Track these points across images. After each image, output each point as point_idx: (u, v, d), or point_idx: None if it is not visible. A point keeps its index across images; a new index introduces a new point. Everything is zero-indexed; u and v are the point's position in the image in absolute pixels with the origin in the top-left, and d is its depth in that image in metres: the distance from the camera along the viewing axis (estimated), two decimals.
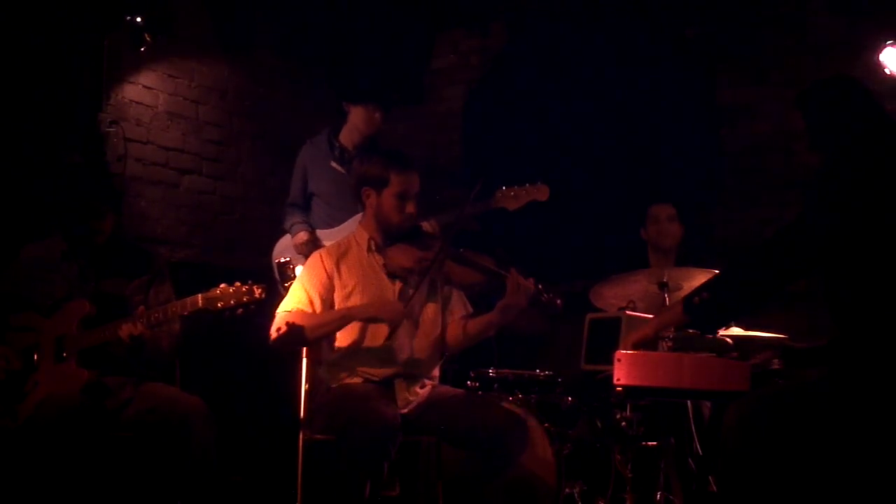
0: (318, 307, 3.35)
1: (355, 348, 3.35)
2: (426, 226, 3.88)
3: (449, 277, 3.38)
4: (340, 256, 3.43)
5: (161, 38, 4.77)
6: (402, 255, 3.36)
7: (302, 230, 4.52)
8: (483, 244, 3.55)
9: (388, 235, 3.42)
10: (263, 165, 5.63)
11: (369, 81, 5.19)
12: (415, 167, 3.42)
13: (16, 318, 3.40)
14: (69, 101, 4.58)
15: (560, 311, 3.30)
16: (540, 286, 3.26)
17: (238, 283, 3.21)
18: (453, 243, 3.35)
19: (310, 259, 3.50)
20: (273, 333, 3.29)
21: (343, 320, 3.30)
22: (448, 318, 3.50)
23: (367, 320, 3.29)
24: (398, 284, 3.41)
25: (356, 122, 4.61)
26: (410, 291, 3.38)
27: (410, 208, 3.38)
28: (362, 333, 3.35)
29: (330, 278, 3.38)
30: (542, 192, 4.32)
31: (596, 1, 5.59)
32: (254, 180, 5.60)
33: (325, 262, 3.41)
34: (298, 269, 4.50)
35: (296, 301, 3.35)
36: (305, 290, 3.37)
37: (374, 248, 3.45)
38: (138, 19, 4.62)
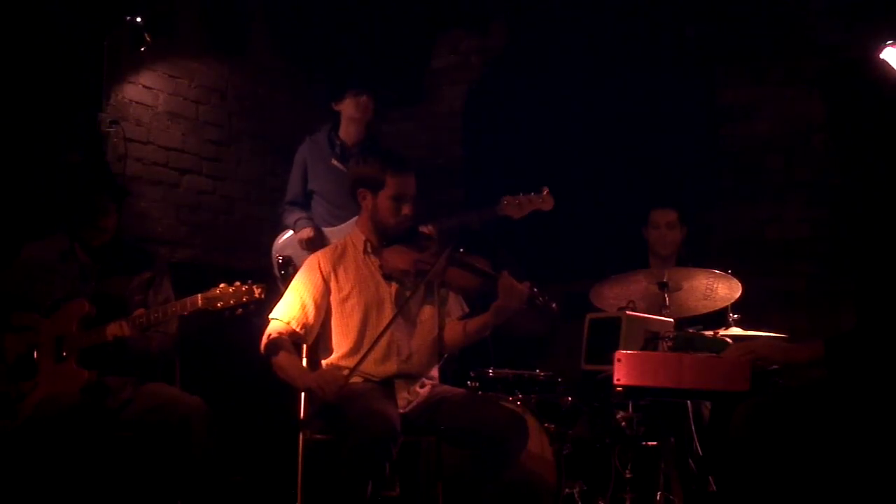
0: (311, 314, 3.36)
1: (354, 350, 3.35)
2: (426, 230, 3.87)
3: (445, 280, 3.37)
4: (337, 259, 3.43)
5: (161, 38, 4.76)
6: (398, 258, 3.35)
7: (307, 226, 4.51)
8: (483, 244, 3.56)
9: (384, 237, 3.41)
10: (263, 165, 5.63)
11: (350, 75, 5.18)
12: (411, 169, 3.41)
13: (16, 318, 3.40)
14: (69, 101, 4.57)
15: (556, 314, 3.29)
16: (535, 289, 3.26)
17: (238, 283, 3.21)
18: (453, 244, 3.34)
19: (306, 262, 3.50)
20: (263, 341, 3.33)
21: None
22: (445, 319, 3.50)
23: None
24: (394, 286, 3.41)
25: (349, 114, 4.61)
26: (407, 293, 3.39)
27: (406, 210, 3.37)
28: (361, 334, 3.35)
29: (326, 282, 3.38)
30: (546, 203, 4.30)
31: (596, 1, 5.59)
32: (254, 180, 5.60)
33: (322, 266, 3.41)
34: (288, 262, 4.53)
35: (288, 310, 3.36)
36: (300, 297, 3.37)
37: (370, 249, 3.44)
38: (138, 19, 4.61)
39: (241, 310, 3.21)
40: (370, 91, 4.63)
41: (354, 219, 4.39)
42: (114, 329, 3.26)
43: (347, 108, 4.61)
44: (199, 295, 3.23)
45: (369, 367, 3.34)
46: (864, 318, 2.57)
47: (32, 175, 4.36)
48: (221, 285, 3.22)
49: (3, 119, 4.32)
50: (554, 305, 3.28)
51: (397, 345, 3.36)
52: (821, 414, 2.46)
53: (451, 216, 4.31)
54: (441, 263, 3.27)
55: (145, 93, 5.03)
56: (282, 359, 3.30)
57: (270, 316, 3.37)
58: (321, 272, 3.40)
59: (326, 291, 3.38)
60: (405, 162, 3.43)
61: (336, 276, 3.40)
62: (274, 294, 3.42)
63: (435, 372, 3.52)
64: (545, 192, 4.30)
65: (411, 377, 3.38)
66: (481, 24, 6.04)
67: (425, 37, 6.16)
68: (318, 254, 3.53)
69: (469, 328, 3.45)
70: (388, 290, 3.40)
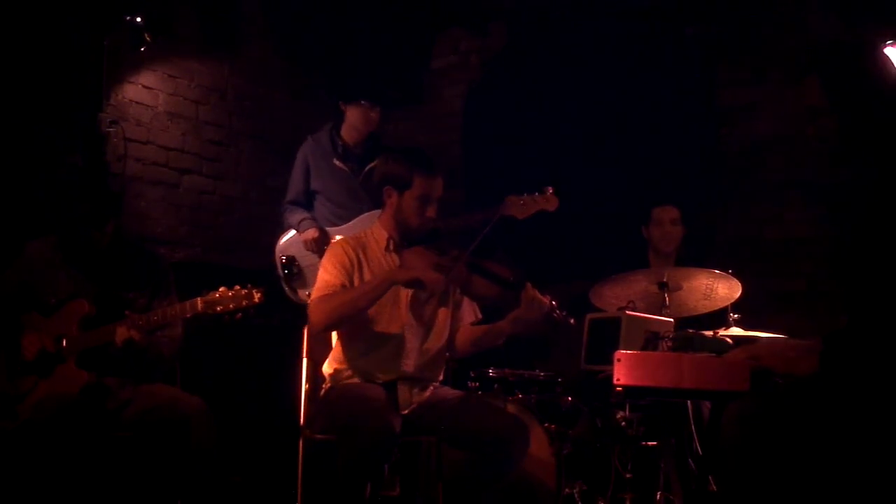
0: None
1: (363, 350, 3.35)
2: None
3: (465, 287, 3.35)
4: (361, 250, 3.40)
5: (161, 38, 4.77)
6: (419, 259, 3.32)
7: (312, 227, 4.51)
8: (483, 244, 3.55)
9: (406, 237, 3.40)
10: (263, 165, 5.63)
11: (364, 79, 5.19)
12: (439, 171, 3.39)
13: (24, 318, 3.40)
14: (69, 101, 4.58)
15: (573, 328, 3.28)
16: (554, 303, 3.25)
17: (238, 287, 3.20)
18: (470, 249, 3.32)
19: (332, 247, 3.45)
20: (318, 317, 3.23)
21: (385, 284, 3.20)
22: (457, 324, 3.49)
23: (409, 284, 3.20)
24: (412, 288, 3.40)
25: (353, 121, 4.61)
26: (423, 296, 3.37)
27: (431, 212, 3.34)
28: (370, 331, 3.34)
29: (353, 266, 3.34)
30: (551, 203, 4.28)
31: (596, 1, 5.59)
32: (254, 180, 5.61)
33: (348, 251, 3.36)
34: (291, 262, 4.51)
35: (329, 285, 3.28)
36: (337, 273, 3.30)
37: (391, 247, 3.42)
38: (138, 19, 4.62)
39: (240, 314, 3.20)
40: (382, 106, 4.63)
41: (357, 219, 4.42)
42: (123, 333, 3.25)
43: (354, 115, 4.60)
44: (200, 299, 3.22)
45: (375, 368, 3.33)
46: (856, 315, 2.57)
47: (33, 175, 4.36)
48: (221, 289, 3.21)
49: (4, 119, 4.32)
50: (572, 320, 3.26)
51: (406, 349, 3.35)
52: (812, 411, 2.46)
53: (454, 217, 4.31)
54: (460, 268, 3.25)
55: (145, 93, 5.03)
56: (358, 290, 3.21)
57: (312, 297, 3.30)
58: (348, 256, 3.35)
59: (353, 277, 3.34)
60: (434, 164, 3.40)
61: (359, 265, 3.36)
62: (276, 295, 3.41)
63: (440, 375, 3.51)
64: (549, 192, 4.27)
65: (416, 380, 3.37)
66: (481, 24, 6.05)
67: (425, 37, 6.17)
68: (341, 241, 3.49)
69: (479, 336, 3.44)
70: (405, 291, 3.37)
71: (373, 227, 3.50)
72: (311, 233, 4.48)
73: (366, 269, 3.36)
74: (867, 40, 4.55)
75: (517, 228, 4.67)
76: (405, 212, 3.35)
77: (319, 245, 4.39)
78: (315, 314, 3.24)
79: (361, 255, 3.38)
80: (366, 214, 4.39)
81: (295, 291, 4.57)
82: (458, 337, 3.48)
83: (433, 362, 3.43)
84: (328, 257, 3.38)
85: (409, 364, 3.34)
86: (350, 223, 4.46)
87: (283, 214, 4.69)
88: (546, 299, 3.23)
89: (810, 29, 5.10)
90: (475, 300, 3.48)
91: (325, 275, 3.32)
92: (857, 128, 2.62)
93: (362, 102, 4.58)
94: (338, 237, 4.31)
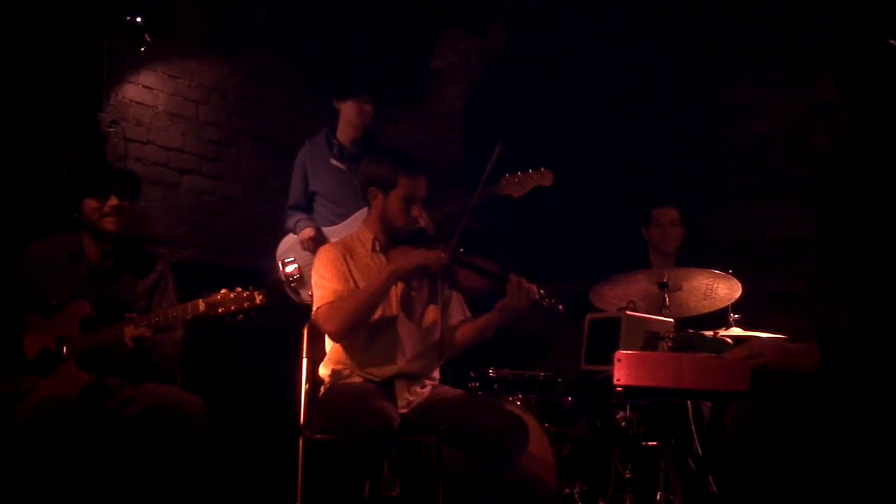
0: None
1: (357, 348, 3.35)
2: (434, 215, 3.89)
3: (452, 281, 3.37)
4: (348, 253, 3.42)
5: (161, 38, 4.77)
6: (404, 258, 3.35)
7: (307, 226, 4.52)
8: (484, 244, 3.56)
9: (392, 237, 3.42)
10: (263, 165, 5.63)
11: (355, 75, 5.19)
12: (423, 172, 3.42)
13: (24, 319, 3.39)
14: (69, 101, 4.57)
15: (561, 315, 3.29)
16: (542, 291, 3.26)
17: (239, 289, 3.20)
18: (455, 244, 3.34)
19: (321, 254, 3.46)
20: (337, 323, 3.26)
21: (393, 276, 3.26)
22: (447, 321, 3.50)
23: (414, 270, 3.25)
24: (401, 286, 3.41)
25: (348, 117, 4.61)
26: (412, 293, 3.38)
27: (415, 212, 3.37)
28: (365, 334, 3.35)
29: (346, 269, 3.37)
30: (546, 178, 4.31)
31: (596, 1, 5.59)
32: (254, 180, 5.60)
33: (337, 255, 3.39)
34: (292, 265, 4.51)
35: (337, 291, 3.31)
36: (338, 279, 3.33)
37: (378, 248, 3.44)
38: (138, 19, 4.62)
39: (241, 316, 3.20)
40: (374, 98, 4.62)
41: (353, 216, 4.43)
42: (131, 331, 3.23)
43: (348, 111, 4.60)
44: (201, 300, 3.23)
45: (371, 366, 3.34)
46: (858, 315, 2.56)
47: (33, 175, 4.36)
48: (223, 291, 3.21)
49: (4, 119, 4.32)
50: (560, 307, 3.28)
51: (401, 345, 3.36)
52: (813, 412, 2.46)
53: (452, 201, 4.32)
54: (445, 261, 3.26)
55: (145, 93, 5.03)
56: (365, 291, 3.26)
57: (318, 305, 3.32)
58: (339, 261, 3.38)
59: (349, 280, 3.36)
60: (418, 164, 3.44)
61: (349, 268, 3.39)
62: (275, 296, 3.41)
63: (436, 373, 3.53)
64: (543, 169, 4.30)
65: (413, 378, 3.39)
66: (481, 24, 6.05)
67: (425, 37, 6.17)
68: (328, 246, 3.51)
69: (469, 331, 3.45)
70: (395, 290, 3.40)
71: (359, 231, 3.52)
72: (307, 232, 4.50)
73: (355, 273, 3.37)
74: (876, 37, 4.53)
75: (518, 228, 4.68)
76: (390, 212, 3.38)
77: (316, 244, 4.39)
78: (333, 321, 3.26)
79: (349, 259, 3.40)
80: (360, 212, 4.39)
81: (297, 292, 4.57)
82: (449, 334, 3.49)
83: (427, 358, 3.45)
84: (323, 265, 3.40)
85: (404, 360, 3.36)
86: (347, 221, 4.47)
87: (284, 220, 4.71)
88: (533, 287, 3.24)
89: (811, 28, 5.10)
90: (463, 293, 3.50)
91: (327, 282, 3.34)
92: (867, 125, 2.61)
93: (354, 96, 4.57)
94: (332, 238, 4.33)
